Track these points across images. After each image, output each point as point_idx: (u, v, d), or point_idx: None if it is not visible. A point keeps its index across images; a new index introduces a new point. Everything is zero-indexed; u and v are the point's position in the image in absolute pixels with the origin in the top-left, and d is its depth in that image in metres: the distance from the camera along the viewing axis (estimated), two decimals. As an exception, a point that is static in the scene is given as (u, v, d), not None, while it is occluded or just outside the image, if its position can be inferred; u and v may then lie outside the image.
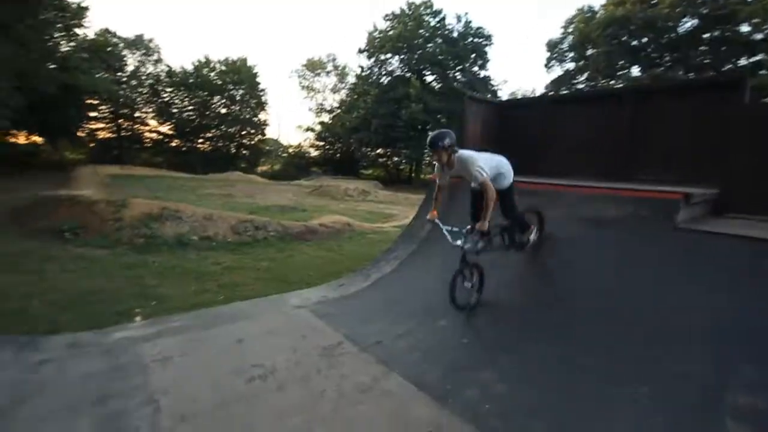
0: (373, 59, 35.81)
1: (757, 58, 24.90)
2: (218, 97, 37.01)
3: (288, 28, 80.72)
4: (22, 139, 27.08)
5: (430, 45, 32.66)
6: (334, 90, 44.48)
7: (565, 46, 34.37)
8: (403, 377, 2.98)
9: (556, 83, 34.20)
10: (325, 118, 43.27)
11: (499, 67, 73.40)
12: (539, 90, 40.43)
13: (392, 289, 4.75)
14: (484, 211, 3.46)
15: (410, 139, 32.50)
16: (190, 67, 36.15)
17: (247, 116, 38.79)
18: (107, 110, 31.74)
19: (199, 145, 37.46)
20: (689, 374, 2.68)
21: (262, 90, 39.69)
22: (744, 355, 2.67)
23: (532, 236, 4.31)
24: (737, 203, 4.49)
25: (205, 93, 36.02)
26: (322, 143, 43.25)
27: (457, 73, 33.70)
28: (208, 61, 36.77)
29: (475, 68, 33.94)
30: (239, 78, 36.97)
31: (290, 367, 3.09)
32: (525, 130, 6.78)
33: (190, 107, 36.27)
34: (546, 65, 36.06)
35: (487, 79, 33.69)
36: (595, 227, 4.27)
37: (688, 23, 27.53)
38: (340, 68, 43.91)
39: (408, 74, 33.94)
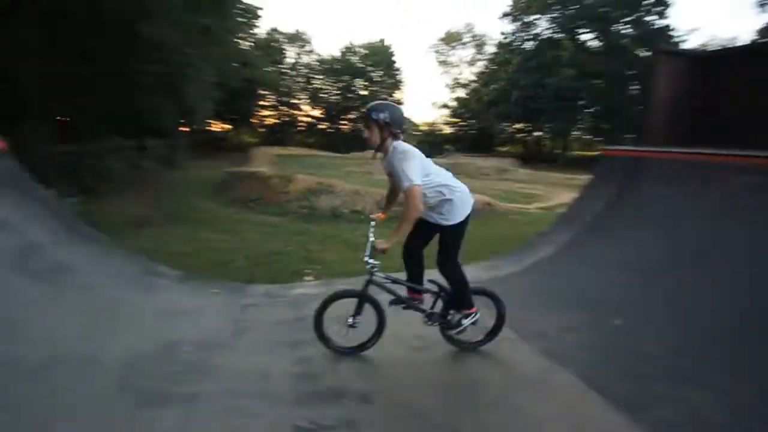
0: (517, 23, 32.66)
1: None
2: (359, 79, 39.52)
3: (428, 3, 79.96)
4: (215, 127, 34.19)
5: (590, -4, 27.90)
6: (471, 62, 42.44)
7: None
8: (577, 376, 2.66)
9: (775, 26, 25.41)
10: (461, 93, 41.96)
11: (684, 13, 58.28)
12: (744, 38, 30.85)
13: (550, 277, 4.32)
14: (397, 226, 2.55)
15: (556, 110, 28.93)
16: (337, 54, 39.42)
17: (384, 96, 40.50)
18: (273, 99, 37.23)
19: (342, 126, 40.99)
20: None
21: (398, 69, 40.78)
22: None
23: (467, 321, 2.84)
24: None
25: (348, 77, 38.86)
26: (456, 120, 42.33)
27: (624, 27, 28.06)
28: (351, 47, 39.43)
29: (650, 17, 27.61)
30: (378, 59, 38.64)
31: (448, 344, 3.08)
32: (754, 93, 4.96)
33: (337, 91, 39.74)
34: (759, 2, 27.01)
35: (665, 29, 27.17)
36: None
37: None
38: (478, 38, 41.46)
39: (559, 36, 29.92)
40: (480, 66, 40.97)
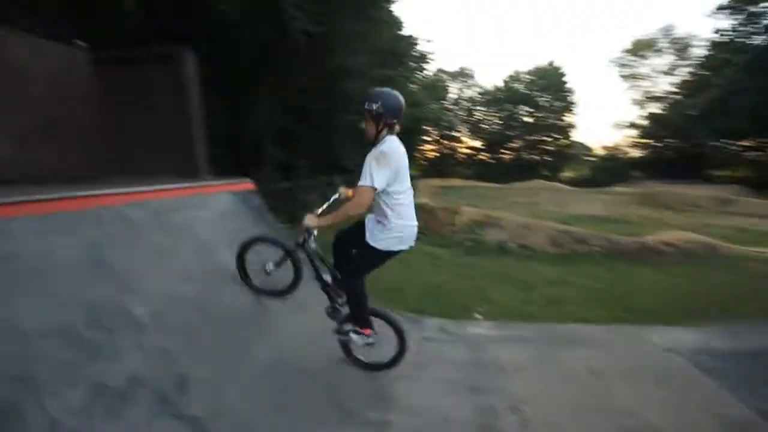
0: (739, 16, 25.72)
1: None
2: (523, 106, 37.98)
3: (610, 11, 72.14)
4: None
5: None
6: (670, 71, 35.16)
7: None
8: None
9: None
10: (655, 108, 35.20)
11: None
12: None
13: None
14: (335, 212, 2.39)
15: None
16: (500, 84, 39.11)
17: (551, 121, 37.65)
18: (434, 133, 39.27)
19: (503, 156, 39.81)
20: None
21: (568, 91, 37.43)
22: None
23: (357, 338, 2.73)
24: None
25: (512, 105, 37.83)
26: (647, 140, 35.51)
27: None
28: (516, 74, 38.51)
29: None
30: (545, 83, 36.47)
31: (679, 434, 2.36)
32: None
33: (498, 121, 39.13)
34: None
35: None
36: None
37: None
38: (679, 41, 34.26)
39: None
40: (683, 74, 33.57)
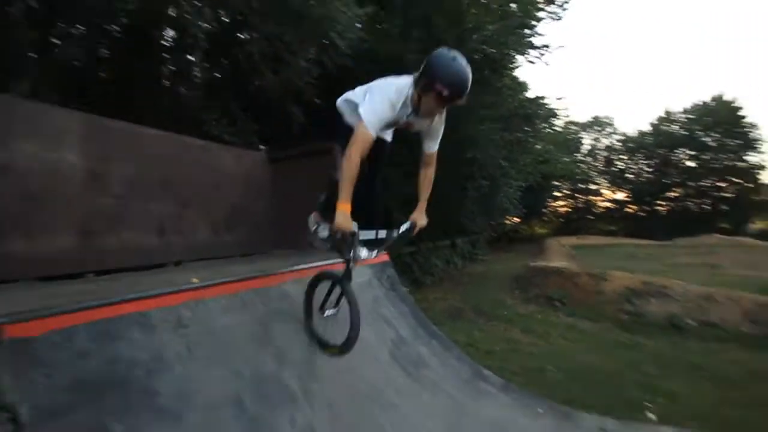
0: None
1: None
2: (681, 149, 32.42)
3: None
4: (509, 220, 36.33)
5: None
6: None
7: None
8: None
9: None
10: None
11: None
12: None
13: None
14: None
15: None
16: (647, 128, 34.66)
17: (725, 163, 30.90)
18: (566, 187, 36.14)
19: (658, 208, 33.84)
20: None
21: (747, 126, 30.60)
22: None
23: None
24: None
25: (665, 149, 32.72)
26: None
27: None
28: (668, 115, 33.70)
29: None
30: (711, 121, 30.80)
31: None
32: None
33: (648, 169, 34.07)
34: None
35: None
36: None
37: None
38: None
39: None
40: None
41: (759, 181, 31.55)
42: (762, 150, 30.83)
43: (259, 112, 7.02)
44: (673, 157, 32.61)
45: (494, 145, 9.92)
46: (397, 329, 3.48)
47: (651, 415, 3.95)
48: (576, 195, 36.99)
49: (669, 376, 4.97)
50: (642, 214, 33.97)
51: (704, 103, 31.97)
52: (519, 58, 10.16)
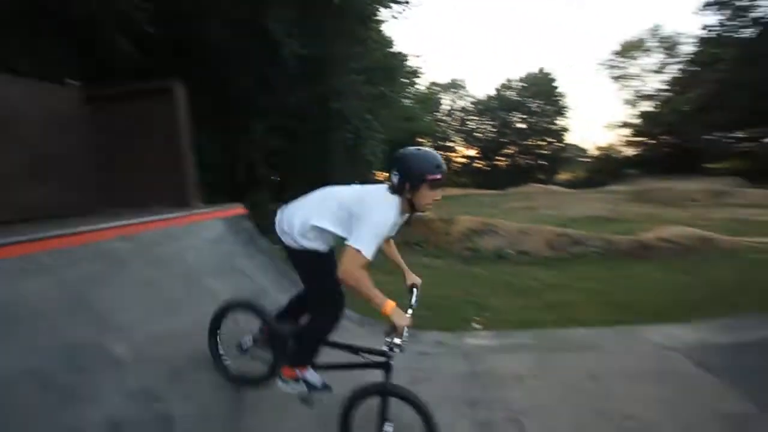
0: (726, 11, 26.13)
1: None
2: (516, 113, 38.47)
3: (596, 17, 73.82)
4: (379, 177, 38.39)
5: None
6: (659, 69, 35.66)
7: None
8: None
9: None
10: (647, 106, 35.61)
11: None
12: None
13: None
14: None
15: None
16: (492, 93, 39.70)
17: (544, 126, 38.07)
18: (430, 145, 39.64)
19: (498, 162, 40.08)
20: None
21: (559, 95, 37.97)
22: None
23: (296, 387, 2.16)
24: None
25: (505, 112, 38.32)
26: (641, 139, 35.79)
27: None
28: (507, 83, 39.14)
29: None
30: (536, 90, 37.02)
31: (679, 433, 2.33)
32: None
33: (492, 129, 39.55)
34: None
35: None
36: None
37: None
38: (667, 40, 34.83)
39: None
40: (673, 71, 34.05)
41: (565, 141, 40.09)
42: (567, 115, 38.99)
43: (78, 43, 5.55)
44: (509, 120, 38.54)
45: (358, 97, 10.07)
46: (255, 280, 3.43)
47: (477, 326, 4.91)
48: (437, 152, 40.92)
49: (492, 295, 6.19)
50: (488, 168, 39.80)
51: (532, 73, 38.16)
52: (383, 12, 10.27)
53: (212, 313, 2.38)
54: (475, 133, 40.36)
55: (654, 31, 35.63)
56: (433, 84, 39.08)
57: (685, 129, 28.22)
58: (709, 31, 27.21)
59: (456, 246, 9.02)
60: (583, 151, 42.17)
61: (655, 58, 35.72)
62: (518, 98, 37.83)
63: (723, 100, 23.74)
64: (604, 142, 42.94)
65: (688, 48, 31.83)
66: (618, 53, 37.63)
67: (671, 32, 34.75)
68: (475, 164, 40.82)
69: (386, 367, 2.01)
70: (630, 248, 7.84)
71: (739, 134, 26.68)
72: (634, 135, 36.13)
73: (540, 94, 37.22)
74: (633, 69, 37.09)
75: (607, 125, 52.35)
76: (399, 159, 1.99)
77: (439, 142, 39.75)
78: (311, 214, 2.05)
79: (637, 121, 35.69)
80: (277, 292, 3.44)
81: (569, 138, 41.10)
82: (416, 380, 3.07)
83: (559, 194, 25.18)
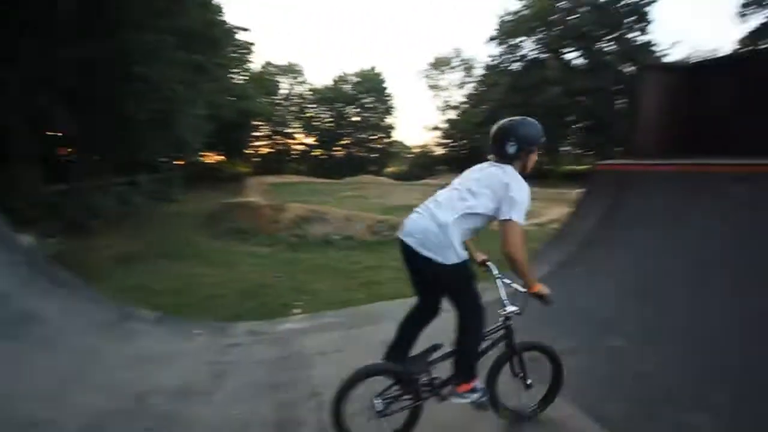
0: (503, 46, 33.62)
1: None
2: (351, 106, 40.34)
3: (418, 29, 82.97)
4: (210, 159, 34.46)
5: (572, 17, 28.77)
6: (461, 85, 43.55)
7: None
8: (576, 407, 2.50)
9: (754, 36, 26.10)
10: (452, 115, 42.89)
11: (666, 26, 59.62)
12: (725, 49, 31.72)
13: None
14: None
15: (545, 128, 29.35)
16: (329, 83, 40.41)
17: (375, 122, 41.29)
18: (267, 129, 37.77)
19: (336, 153, 41.48)
20: None
21: (389, 95, 41.75)
22: None
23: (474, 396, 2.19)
24: None
25: (341, 104, 39.69)
26: (448, 141, 43.02)
27: (607, 44, 28.87)
28: (344, 75, 40.44)
29: (633, 34, 28.39)
30: (369, 86, 39.59)
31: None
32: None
33: (329, 119, 40.45)
34: (740, 13, 27.54)
35: (648, 45, 27.96)
36: None
37: None
38: (466, 62, 42.68)
39: (544, 56, 30.74)
40: (469, 88, 42.01)
41: (392, 138, 44.58)
42: (394, 114, 43.39)
43: None
44: (345, 112, 40.23)
45: (168, 62, 8.66)
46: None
47: (296, 311, 4.99)
48: (275, 137, 39.33)
49: (316, 280, 6.40)
50: (325, 156, 40.65)
51: (365, 70, 40.69)
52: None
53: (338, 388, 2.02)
54: (313, 122, 40.53)
55: (457, 53, 43.21)
56: (269, 64, 37.23)
57: (476, 137, 35.32)
58: (492, 60, 34.68)
59: (284, 233, 8.92)
60: (408, 148, 47.85)
61: (458, 75, 43.51)
62: (353, 92, 39.76)
63: (495, 118, 30.70)
64: (422, 142, 49.67)
65: (479, 71, 39.79)
66: (432, 65, 44.06)
67: (469, 56, 42.89)
68: (313, 152, 41.12)
69: (509, 331, 2.21)
70: (433, 232, 9.37)
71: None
72: (443, 137, 43.24)
73: (372, 92, 40.07)
74: (443, 81, 44.16)
75: (425, 127, 60.68)
76: (511, 129, 2.13)
77: (277, 128, 38.40)
78: (456, 209, 2.02)
79: (445, 126, 42.79)
80: (24, 295, 2.68)
81: (396, 135, 45.86)
82: (217, 375, 2.92)
83: (387, 185, 27.94)
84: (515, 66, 32.49)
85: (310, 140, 41.03)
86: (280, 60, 45.33)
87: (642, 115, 5.20)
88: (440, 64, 43.41)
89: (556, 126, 29.13)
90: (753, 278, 3.17)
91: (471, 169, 2.27)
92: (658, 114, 5.14)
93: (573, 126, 30.96)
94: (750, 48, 24.63)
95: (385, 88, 41.02)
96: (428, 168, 40.41)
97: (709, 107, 5.02)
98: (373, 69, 40.80)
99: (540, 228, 10.39)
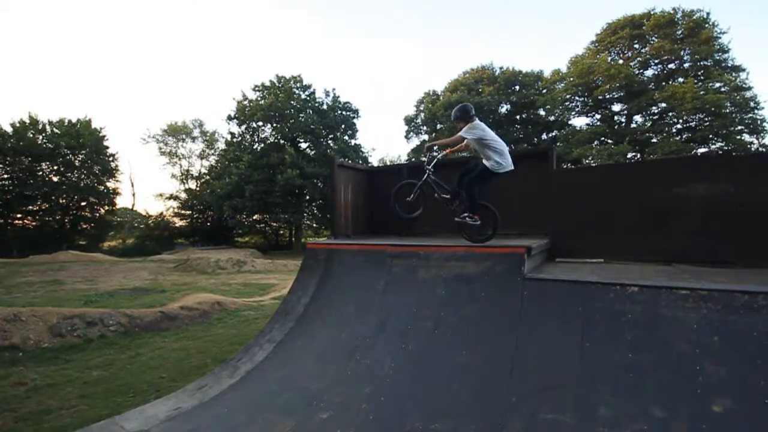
0: (244, 126, 35.24)
1: (553, 134, 33.28)
2: (47, 163, 30.96)
3: (145, 89, 75.11)
4: None
5: (302, 115, 33.79)
6: (202, 156, 42.03)
7: (419, 120, 40.17)
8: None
9: (415, 151, 39.23)
10: (192, 185, 40.09)
11: (369, 136, 79.82)
12: (404, 157, 45.42)
13: (265, 383, 4.10)
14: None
15: (288, 204, 31.95)
16: (8, 129, 29.77)
17: (90, 184, 33.14)
18: None
19: (17, 221, 29.93)
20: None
21: (111, 155, 34.91)
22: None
23: (470, 221, 4.85)
24: (563, 250, 5.41)
25: (29, 159, 29.78)
26: (188, 212, 39.39)
27: (329, 141, 35.38)
28: (34, 122, 30.91)
29: (346, 137, 36.23)
30: (80, 142, 31.90)
31: None
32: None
33: (5, 176, 29.30)
34: (406, 136, 41.44)
35: (358, 147, 36.21)
36: (463, 283, 4.53)
37: (503, 108, 35.74)
38: (208, 134, 42.11)
39: (282, 141, 34.17)
40: (212, 160, 41.13)
41: (116, 205, 36.68)
42: (119, 179, 36.34)
43: None
44: (36, 168, 30.37)
45: None
46: None
47: None
48: None
49: None
50: (-5, 227, 28.50)
51: (72, 121, 32.78)
52: None
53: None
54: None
55: (199, 124, 42.34)
56: None
57: (218, 209, 34.27)
58: (234, 137, 35.78)
59: None
60: (142, 217, 40.40)
61: (199, 146, 42.25)
62: (51, 145, 30.89)
63: (241, 191, 31.30)
64: (156, 211, 43.48)
65: (222, 145, 40.09)
66: (166, 132, 40.97)
67: (211, 129, 42.82)
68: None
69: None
70: (154, 321, 7.82)
71: (256, 217, 35.92)
72: (182, 208, 39.50)
73: (84, 147, 32.45)
74: (182, 150, 41.55)
75: (158, 196, 53.59)
76: (464, 108, 5.12)
77: None
78: None
79: (184, 195, 39.54)
80: None
81: (121, 202, 38.20)
82: None
83: (101, 263, 22.08)
84: (258, 146, 34.58)
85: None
86: None
87: (337, 203, 6.46)
88: (176, 132, 40.86)
89: (297, 203, 32.25)
90: (422, 339, 4.22)
91: None
92: (348, 203, 6.59)
93: (311, 204, 35.07)
94: (412, 158, 36.30)
95: (105, 147, 34.19)
96: (166, 241, 35.17)
97: (381, 198, 6.85)
98: (87, 122, 33.50)
99: (280, 301, 10.62)
